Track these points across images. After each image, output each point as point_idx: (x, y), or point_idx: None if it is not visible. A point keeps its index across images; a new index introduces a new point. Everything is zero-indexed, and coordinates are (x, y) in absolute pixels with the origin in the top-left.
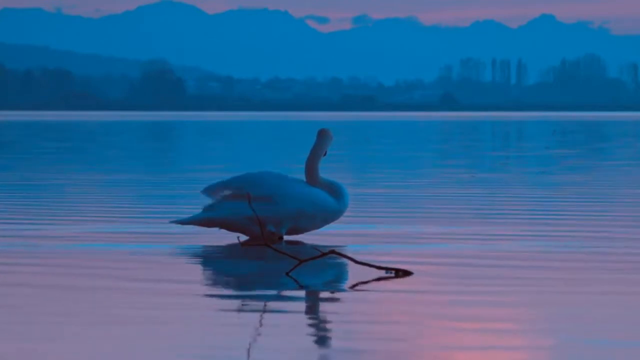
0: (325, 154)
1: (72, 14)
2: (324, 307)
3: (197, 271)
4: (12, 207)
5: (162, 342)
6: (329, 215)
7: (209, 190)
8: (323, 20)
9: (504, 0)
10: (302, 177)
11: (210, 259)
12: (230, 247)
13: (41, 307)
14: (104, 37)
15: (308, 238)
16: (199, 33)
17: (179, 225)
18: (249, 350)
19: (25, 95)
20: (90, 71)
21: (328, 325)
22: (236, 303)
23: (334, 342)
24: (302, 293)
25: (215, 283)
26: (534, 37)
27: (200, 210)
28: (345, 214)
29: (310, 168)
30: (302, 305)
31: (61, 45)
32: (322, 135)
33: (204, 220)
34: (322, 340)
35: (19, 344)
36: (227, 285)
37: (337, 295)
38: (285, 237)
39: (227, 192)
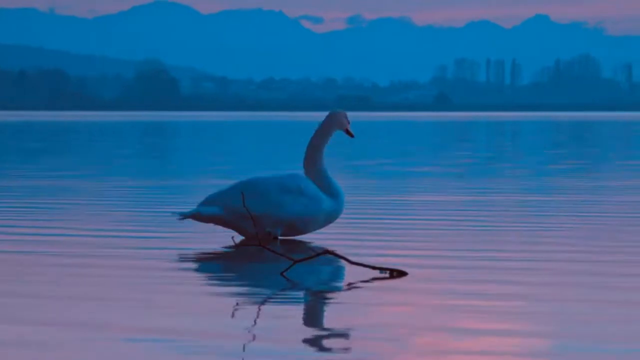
0: (352, 136)
1: (65, 14)
2: (318, 307)
3: (190, 272)
4: (3, 209)
5: (156, 341)
6: (326, 220)
7: (205, 204)
8: (317, 20)
9: (498, 0)
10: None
11: (204, 259)
12: (224, 248)
13: (36, 315)
14: (98, 37)
15: (303, 238)
16: (193, 33)
17: (174, 221)
18: (242, 350)
19: (19, 96)
20: (84, 71)
21: (322, 326)
22: (230, 303)
23: (328, 343)
24: (296, 293)
25: (209, 283)
26: (528, 37)
27: (195, 206)
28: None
29: (310, 156)
30: (296, 306)
31: (55, 46)
32: (330, 119)
33: (202, 215)
34: (315, 340)
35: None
36: (221, 285)
37: (331, 295)
38: (280, 237)
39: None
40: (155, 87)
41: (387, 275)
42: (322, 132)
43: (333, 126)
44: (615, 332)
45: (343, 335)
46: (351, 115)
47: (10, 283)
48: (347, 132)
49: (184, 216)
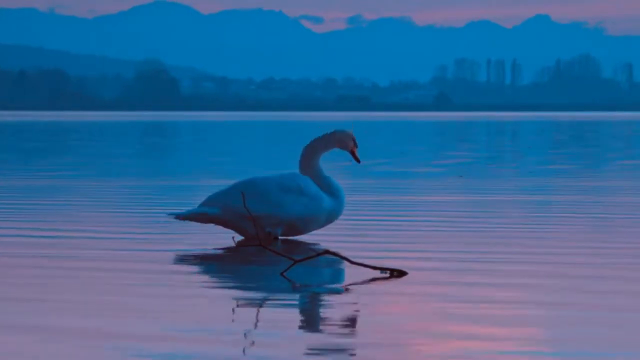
0: (358, 161)
1: (65, 14)
2: (318, 307)
3: (190, 272)
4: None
5: (154, 341)
6: (326, 220)
7: (205, 205)
8: (317, 20)
9: (499, 0)
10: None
11: (204, 259)
12: (225, 248)
13: (32, 316)
14: (98, 37)
15: (303, 238)
16: (193, 33)
17: (174, 221)
18: (242, 350)
19: (19, 96)
20: (84, 71)
21: (322, 326)
22: (230, 303)
23: (328, 343)
24: (296, 293)
25: (209, 284)
26: (528, 37)
27: (195, 207)
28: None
29: (307, 155)
30: (296, 306)
31: (55, 46)
32: (333, 135)
33: (201, 215)
34: (315, 341)
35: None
36: (221, 285)
37: (331, 295)
38: (281, 237)
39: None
40: (155, 87)
41: (387, 275)
42: (323, 140)
43: (333, 143)
44: (616, 336)
45: (343, 335)
46: (351, 115)
47: (7, 285)
48: (353, 154)
49: (183, 217)
